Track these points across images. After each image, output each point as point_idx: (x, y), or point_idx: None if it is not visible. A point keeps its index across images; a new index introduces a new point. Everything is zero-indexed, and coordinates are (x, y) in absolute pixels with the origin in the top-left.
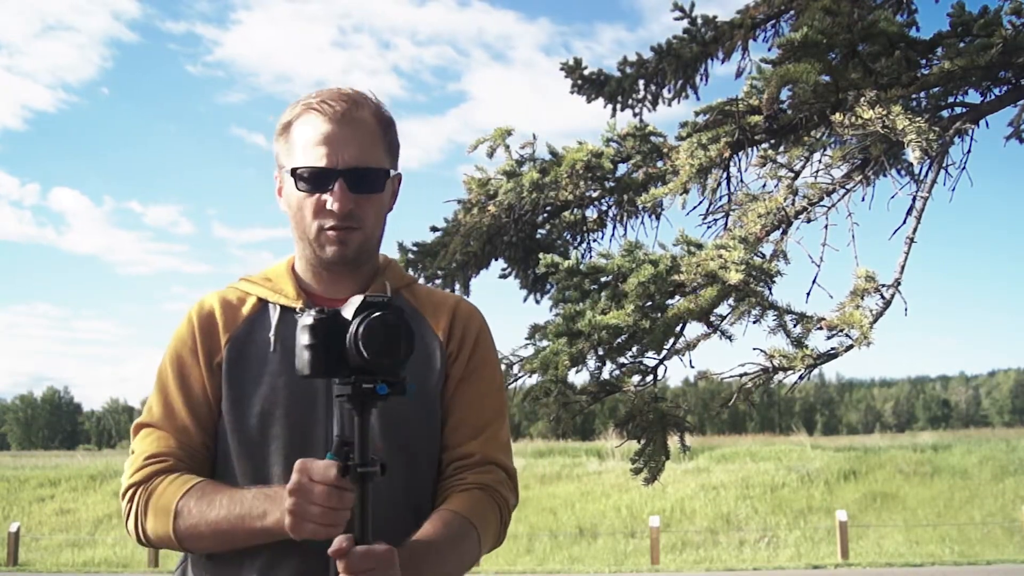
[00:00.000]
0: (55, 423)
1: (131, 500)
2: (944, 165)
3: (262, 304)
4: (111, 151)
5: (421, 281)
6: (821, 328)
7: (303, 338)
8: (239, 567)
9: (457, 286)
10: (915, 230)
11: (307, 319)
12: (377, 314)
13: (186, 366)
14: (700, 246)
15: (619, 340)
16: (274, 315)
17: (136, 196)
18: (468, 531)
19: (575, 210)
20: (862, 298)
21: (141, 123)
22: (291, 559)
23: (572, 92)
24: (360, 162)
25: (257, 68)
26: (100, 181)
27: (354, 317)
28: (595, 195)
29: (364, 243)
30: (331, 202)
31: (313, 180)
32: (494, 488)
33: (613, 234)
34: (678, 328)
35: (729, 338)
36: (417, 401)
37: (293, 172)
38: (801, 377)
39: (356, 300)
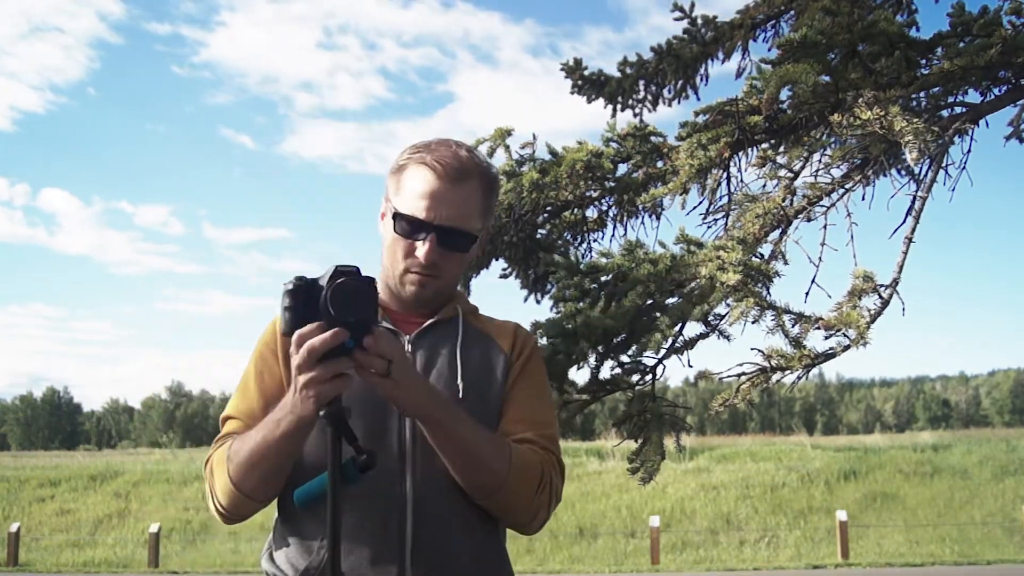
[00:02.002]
0: (55, 423)
1: (207, 475)
2: (944, 165)
3: None
4: (100, 152)
5: None
6: (819, 328)
7: (284, 301)
8: (318, 534)
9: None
10: (914, 230)
11: (288, 286)
12: (342, 279)
13: (266, 363)
14: (700, 245)
15: (618, 339)
16: None
17: (126, 196)
18: (503, 444)
19: (575, 210)
20: (860, 298)
21: (129, 124)
22: (363, 547)
23: (572, 92)
24: (455, 223)
25: (244, 69)
26: (90, 181)
27: (328, 282)
28: (595, 195)
29: (441, 289)
30: (420, 251)
31: (410, 228)
32: (544, 457)
33: (613, 234)
34: (677, 328)
35: (728, 338)
36: (480, 402)
37: (395, 215)
38: (799, 377)
39: (330, 270)
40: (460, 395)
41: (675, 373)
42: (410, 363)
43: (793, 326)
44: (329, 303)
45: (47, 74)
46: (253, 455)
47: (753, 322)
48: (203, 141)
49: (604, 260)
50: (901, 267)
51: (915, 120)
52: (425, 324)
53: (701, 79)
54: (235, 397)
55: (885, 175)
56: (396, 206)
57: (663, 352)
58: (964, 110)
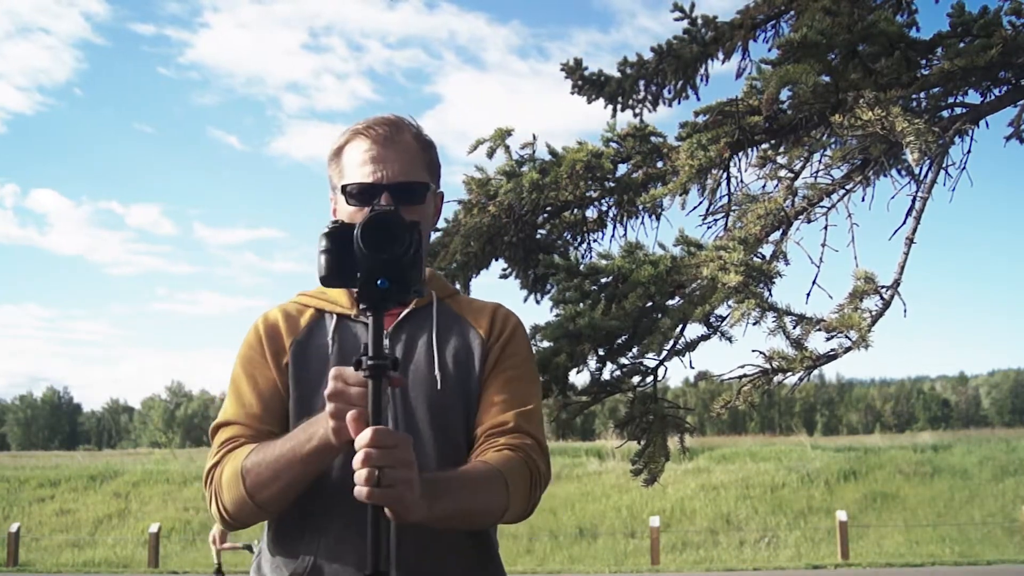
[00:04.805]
0: (55, 423)
1: (209, 483)
2: (944, 165)
3: (319, 314)
4: (89, 152)
5: None
6: (820, 330)
7: (320, 244)
8: (304, 541)
9: (457, 286)
10: (915, 230)
11: (324, 229)
12: (374, 212)
13: (256, 365)
14: (700, 246)
15: (619, 341)
16: (330, 323)
17: (116, 197)
18: (495, 477)
19: (575, 210)
20: (861, 299)
21: (117, 124)
22: (349, 552)
23: (572, 92)
24: (403, 177)
25: (230, 70)
26: (80, 182)
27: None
28: (595, 195)
29: None
30: None
31: (361, 195)
32: (525, 452)
33: (613, 234)
34: (678, 329)
35: (729, 339)
36: (458, 391)
37: (344, 189)
38: (801, 379)
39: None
40: (438, 386)
41: (675, 374)
42: (406, 478)
43: (794, 328)
44: (360, 241)
45: (34, 75)
46: (278, 466)
47: (754, 324)
48: (192, 142)
49: (604, 262)
50: (902, 268)
51: (917, 120)
52: (401, 315)
53: (701, 79)
54: (229, 403)
55: (885, 175)
56: (343, 183)
57: (664, 354)
58: (964, 110)
